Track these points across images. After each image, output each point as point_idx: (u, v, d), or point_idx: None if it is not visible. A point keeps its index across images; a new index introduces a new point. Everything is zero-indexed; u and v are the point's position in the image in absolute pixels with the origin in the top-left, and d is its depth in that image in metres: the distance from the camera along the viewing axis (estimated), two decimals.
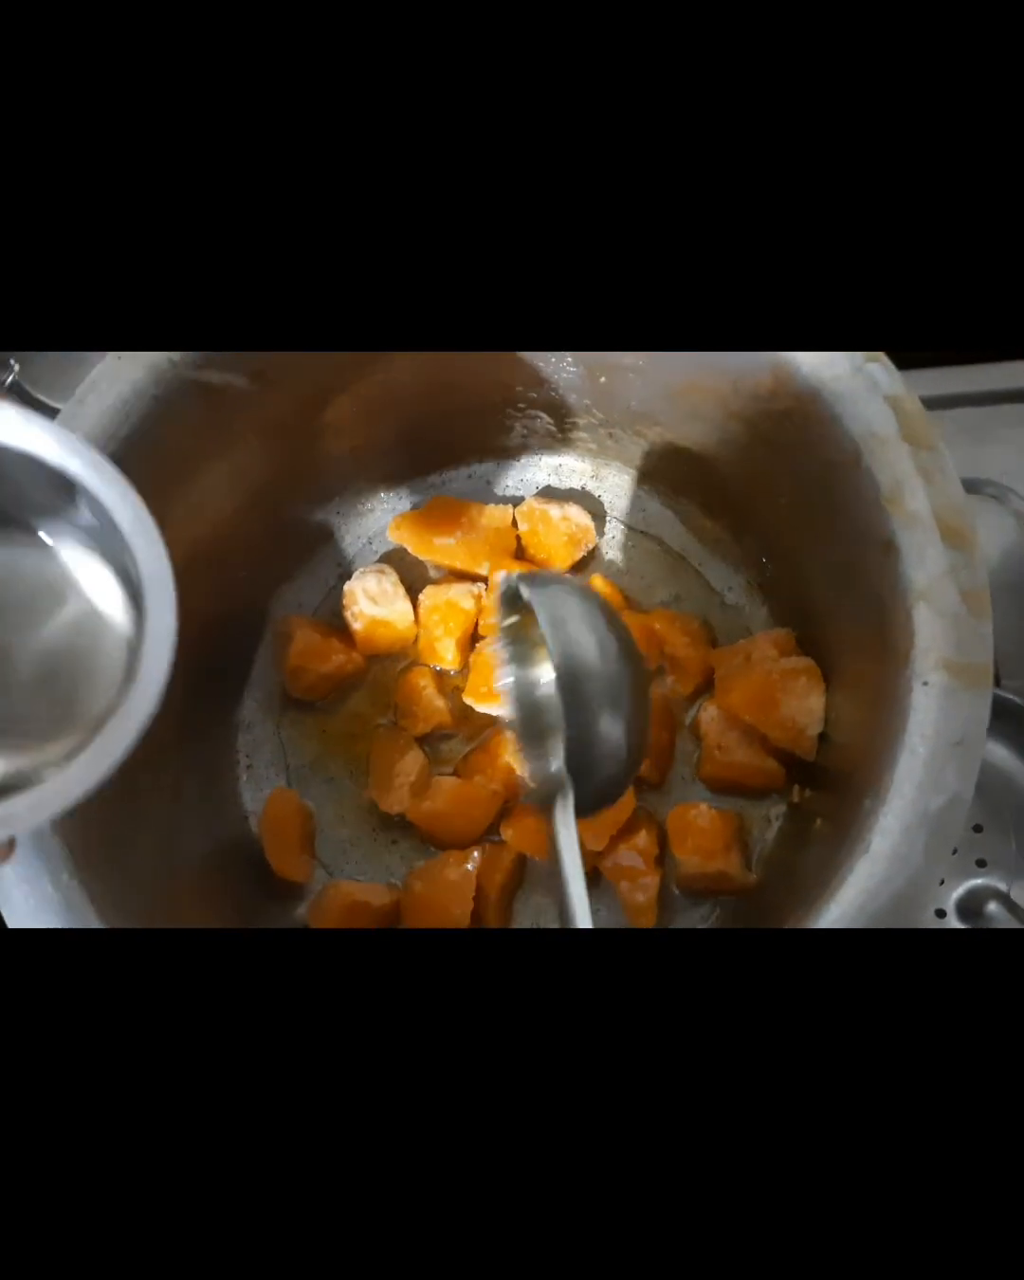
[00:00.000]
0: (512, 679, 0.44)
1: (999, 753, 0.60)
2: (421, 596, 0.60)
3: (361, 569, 0.61)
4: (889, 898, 0.37)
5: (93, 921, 0.40)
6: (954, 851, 0.55)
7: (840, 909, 0.37)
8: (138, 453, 0.47)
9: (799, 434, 0.46)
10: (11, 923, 0.40)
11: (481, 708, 0.58)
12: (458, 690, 0.60)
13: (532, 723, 0.43)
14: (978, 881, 0.58)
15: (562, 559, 0.60)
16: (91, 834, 0.43)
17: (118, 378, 0.46)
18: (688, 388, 0.52)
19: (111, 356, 0.46)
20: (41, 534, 0.33)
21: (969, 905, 0.57)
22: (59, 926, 0.40)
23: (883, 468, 0.41)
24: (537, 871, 0.58)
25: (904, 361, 0.44)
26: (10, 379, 0.66)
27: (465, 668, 0.60)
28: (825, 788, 0.52)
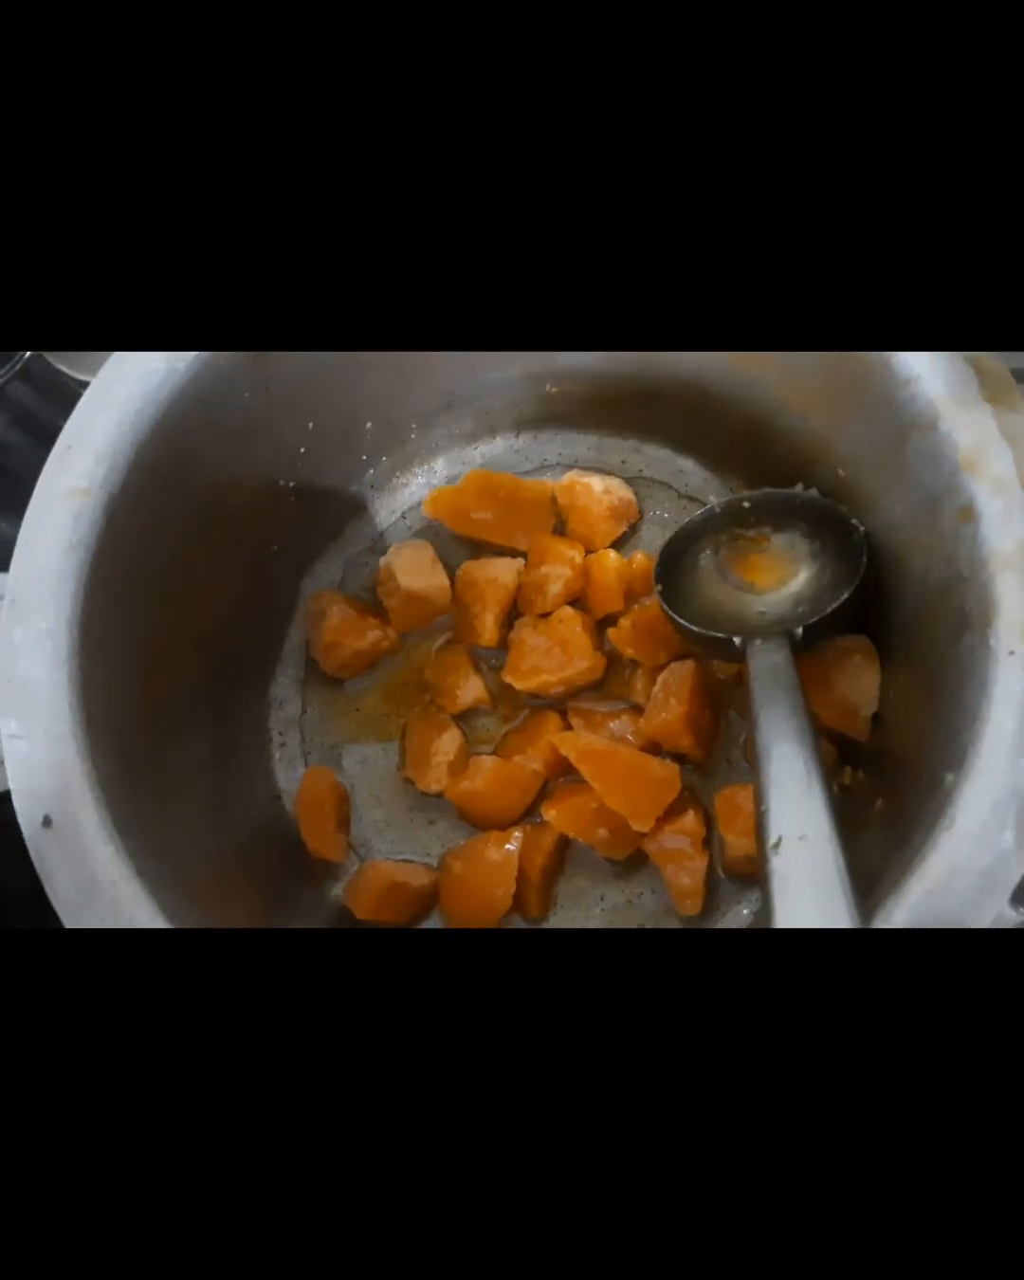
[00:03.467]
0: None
1: None
2: (459, 572, 0.59)
3: (397, 544, 0.60)
4: (976, 875, 0.35)
5: (141, 900, 0.38)
6: None
7: (925, 886, 0.36)
8: (178, 417, 0.45)
9: (866, 401, 0.45)
10: (58, 898, 0.38)
11: (521, 687, 0.57)
12: (495, 668, 0.58)
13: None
14: None
15: (604, 534, 0.59)
16: (132, 807, 0.42)
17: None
18: (743, 355, 0.50)
19: None
20: None
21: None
22: (107, 906, 0.38)
23: (963, 430, 0.39)
24: (578, 852, 0.56)
25: None
26: (21, 364, 0.64)
27: (504, 645, 0.58)
28: (881, 769, 0.50)
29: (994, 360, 0.40)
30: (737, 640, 0.48)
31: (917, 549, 0.45)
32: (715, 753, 0.56)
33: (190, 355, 0.45)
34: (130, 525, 0.44)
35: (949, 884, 0.35)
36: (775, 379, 0.50)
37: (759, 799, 0.39)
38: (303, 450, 0.54)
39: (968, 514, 0.39)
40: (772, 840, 0.37)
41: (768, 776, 0.39)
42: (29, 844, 0.39)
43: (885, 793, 0.49)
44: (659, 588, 0.54)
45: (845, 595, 0.48)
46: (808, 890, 0.36)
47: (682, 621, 0.52)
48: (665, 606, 0.53)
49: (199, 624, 0.52)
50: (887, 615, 0.51)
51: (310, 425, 0.53)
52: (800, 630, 0.48)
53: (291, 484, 0.55)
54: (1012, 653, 0.37)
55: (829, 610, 0.48)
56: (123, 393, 0.44)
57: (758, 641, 0.47)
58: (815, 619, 0.48)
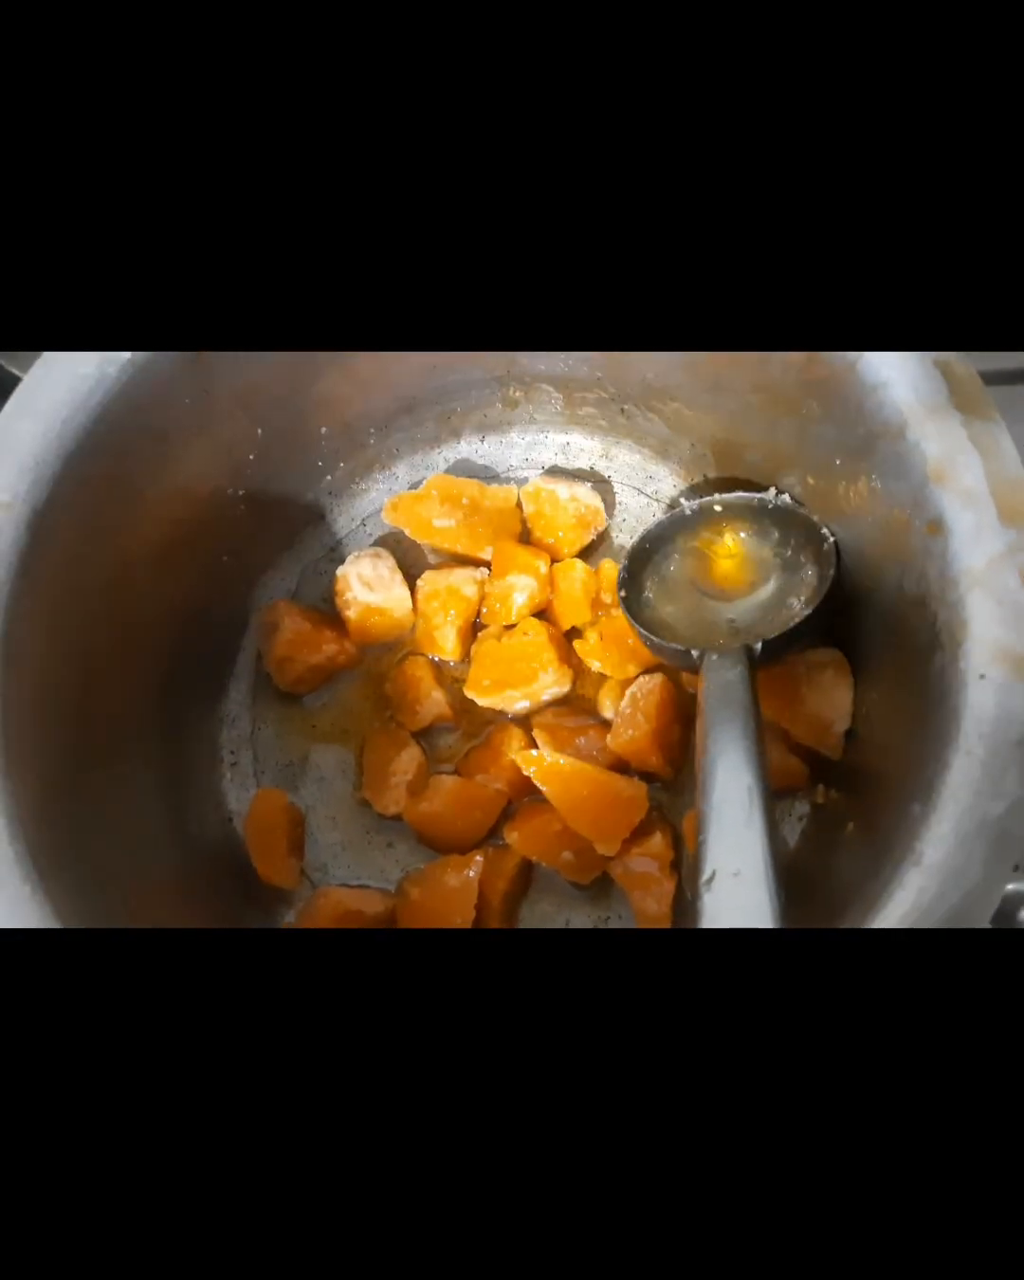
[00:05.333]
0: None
1: None
2: (420, 582, 0.57)
3: (355, 553, 0.57)
4: (944, 914, 0.33)
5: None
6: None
7: (888, 925, 0.34)
8: (111, 424, 0.43)
9: (835, 405, 0.42)
10: None
11: (484, 702, 0.54)
12: (458, 682, 0.56)
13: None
14: (1013, 886, 0.54)
15: (571, 542, 0.56)
16: (56, 838, 0.40)
17: None
18: (711, 359, 0.48)
19: None
20: None
21: (1003, 910, 0.54)
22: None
23: (932, 439, 0.37)
24: (544, 875, 0.54)
25: None
26: None
27: (466, 658, 0.56)
28: (855, 789, 0.48)
29: (964, 365, 0.38)
30: (694, 652, 0.46)
31: (888, 560, 0.43)
32: (685, 770, 0.54)
33: (123, 359, 0.42)
34: (59, 540, 0.42)
35: (916, 924, 0.33)
36: (743, 382, 0.47)
37: (698, 828, 0.36)
38: (251, 457, 0.52)
39: (937, 528, 0.37)
40: (705, 875, 0.35)
41: (708, 806, 0.37)
42: None
43: (858, 815, 0.46)
44: (622, 594, 0.52)
45: (809, 610, 0.46)
46: None
47: (641, 629, 0.50)
48: (627, 612, 0.51)
49: (142, 640, 0.49)
50: (860, 628, 0.49)
51: (259, 431, 0.51)
52: (760, 644, 0.45)
53: (240, 492, 0.53)
54: (983, 677, 0.35)
55: (793, 624, 0.46)
56: (49, 400, 0.41)
57: (714, 656, 0.45)
58: (778, 633, 0.46)
